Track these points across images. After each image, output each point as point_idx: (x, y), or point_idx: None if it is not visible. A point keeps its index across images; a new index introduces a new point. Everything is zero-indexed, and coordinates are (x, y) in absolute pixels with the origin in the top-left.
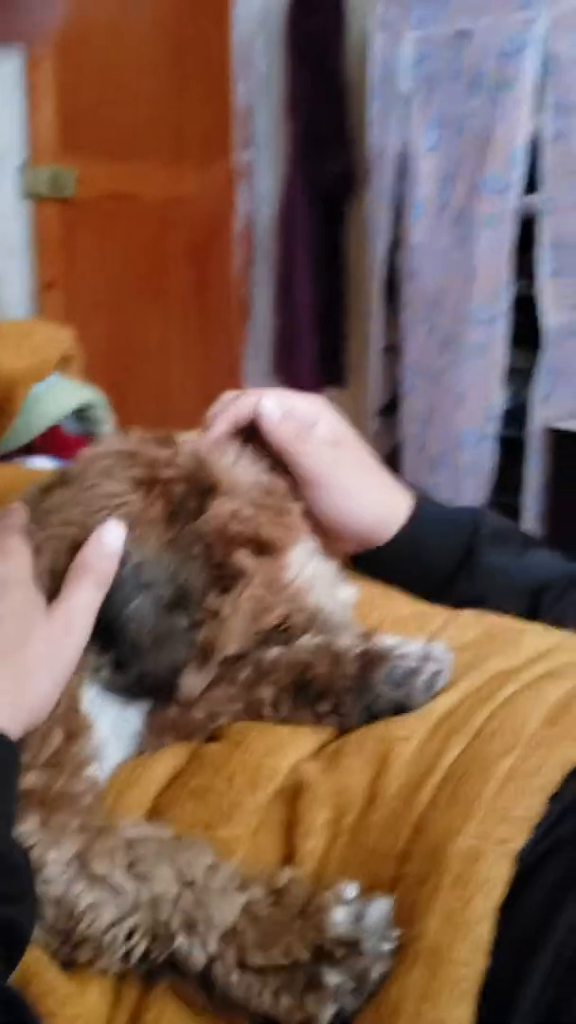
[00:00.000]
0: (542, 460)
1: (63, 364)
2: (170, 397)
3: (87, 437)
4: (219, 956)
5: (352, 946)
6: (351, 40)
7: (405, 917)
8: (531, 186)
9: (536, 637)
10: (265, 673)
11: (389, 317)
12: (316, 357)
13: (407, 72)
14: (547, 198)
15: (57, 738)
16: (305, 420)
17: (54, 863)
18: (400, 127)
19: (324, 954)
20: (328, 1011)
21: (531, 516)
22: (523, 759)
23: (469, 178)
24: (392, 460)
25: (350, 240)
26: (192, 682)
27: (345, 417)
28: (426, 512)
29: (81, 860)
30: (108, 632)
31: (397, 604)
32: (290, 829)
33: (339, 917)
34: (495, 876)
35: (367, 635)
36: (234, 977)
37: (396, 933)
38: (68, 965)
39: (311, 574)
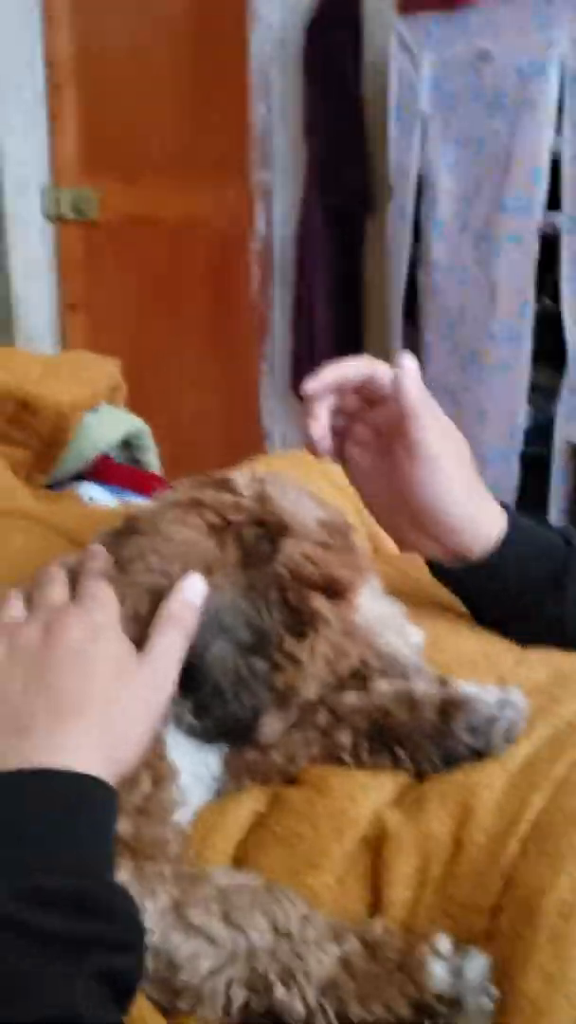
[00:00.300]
0: (567, 477)
1: (111, 394)
2: (188, 417)
3: (133, 465)
4: (319, 1010)
5: (453, 1004)
6: (368, 61)
7: (500, 972)
8: (553, 204)
9: None
10: (343, 718)
11: (410, 335)
12: None
13: (426, 93)
14: (569, 216)
15: (145, 785)
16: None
17: (150, 913)
18: (420, 147)
19: (425, 1010)
20: None
21: None
22: None
23: (490, 197)
24: None
25: (368, 259)
26: (271, 725)
27: None
28: (522, 531)
29: (177, 910)
30: (189, 677)
31: (462, 641)
32: (376, 877)
33: (439, 973)
34: None
35: (443, 681)
36: None
37: (494, 991)
38: (169, 1013)
39: (379, 615)
